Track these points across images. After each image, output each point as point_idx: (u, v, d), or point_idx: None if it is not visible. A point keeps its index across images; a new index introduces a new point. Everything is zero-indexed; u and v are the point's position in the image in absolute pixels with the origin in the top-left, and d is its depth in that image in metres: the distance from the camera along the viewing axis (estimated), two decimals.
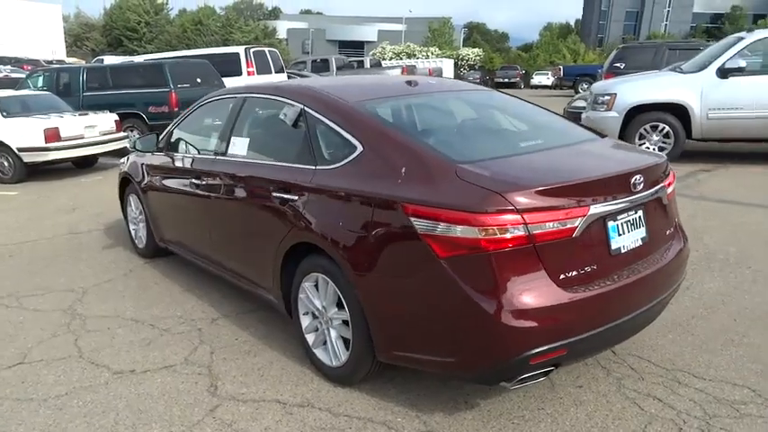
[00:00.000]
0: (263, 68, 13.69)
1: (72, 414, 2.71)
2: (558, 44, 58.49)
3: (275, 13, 73.16)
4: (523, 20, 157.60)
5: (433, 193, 2.33)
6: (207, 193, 3.69)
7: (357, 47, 67.43)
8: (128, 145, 4.61)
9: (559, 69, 23.72)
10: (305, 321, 3.06)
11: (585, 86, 22.01)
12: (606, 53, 53.08)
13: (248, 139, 3.48)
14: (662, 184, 2.70)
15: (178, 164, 4.14)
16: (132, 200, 5.00)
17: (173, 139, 4.33)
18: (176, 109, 10.70)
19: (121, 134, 9.99)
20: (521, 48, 74.93)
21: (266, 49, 14.45)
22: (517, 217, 2.17)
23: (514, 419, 2.56)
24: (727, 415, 2.54)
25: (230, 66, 13.20)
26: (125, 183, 5.08)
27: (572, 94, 22.07)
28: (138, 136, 4.48)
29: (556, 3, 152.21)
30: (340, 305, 2.79)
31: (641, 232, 2.58)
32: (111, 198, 5.58)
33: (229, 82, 12.35)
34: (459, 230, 2.20)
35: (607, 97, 8.33)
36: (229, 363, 3.15)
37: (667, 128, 8.03)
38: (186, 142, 4.20)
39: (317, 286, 2.93)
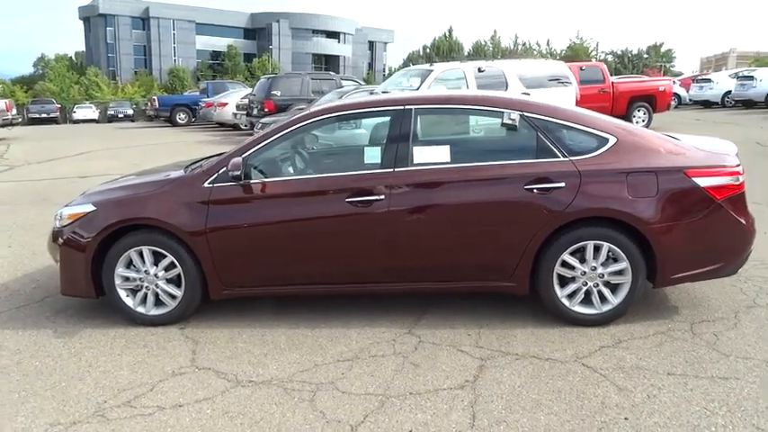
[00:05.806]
0: None
1: None
2: (72, 77, 55.06)
3: None
4: (7, 50, 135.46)
5: (697, 161, 3.60)
6: (389, 209, 3.61)
7: None
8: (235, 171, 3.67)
9: (155, 100, 23.53)
10: (558, 288, 3.68)
11: (183, 116, 22.66)
12: (131, 84, 53.12)
13: (448, 147, 3.70)
14: None
15: (303, 187, 3.72)
16: (138, 255, 3.78)
17: (267, 164, 3.75)
18: None
19: None
20: (17, 80, 66.95)
21: None
22: (740, 168, 3.69)
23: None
24: None
25: None
26: (113, 237, 3.79)
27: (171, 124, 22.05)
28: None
29: (46, 34, 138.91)
30: (604, 264, 3.62)
31: None
32: None
33: None
34: (729, 180, 3.58)
35: None
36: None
37: None
38: (297, 163, 3.77)
39: (574, 253, 3.63)
